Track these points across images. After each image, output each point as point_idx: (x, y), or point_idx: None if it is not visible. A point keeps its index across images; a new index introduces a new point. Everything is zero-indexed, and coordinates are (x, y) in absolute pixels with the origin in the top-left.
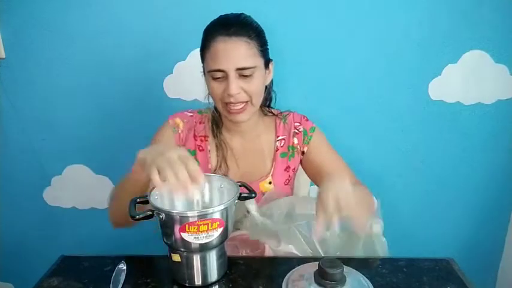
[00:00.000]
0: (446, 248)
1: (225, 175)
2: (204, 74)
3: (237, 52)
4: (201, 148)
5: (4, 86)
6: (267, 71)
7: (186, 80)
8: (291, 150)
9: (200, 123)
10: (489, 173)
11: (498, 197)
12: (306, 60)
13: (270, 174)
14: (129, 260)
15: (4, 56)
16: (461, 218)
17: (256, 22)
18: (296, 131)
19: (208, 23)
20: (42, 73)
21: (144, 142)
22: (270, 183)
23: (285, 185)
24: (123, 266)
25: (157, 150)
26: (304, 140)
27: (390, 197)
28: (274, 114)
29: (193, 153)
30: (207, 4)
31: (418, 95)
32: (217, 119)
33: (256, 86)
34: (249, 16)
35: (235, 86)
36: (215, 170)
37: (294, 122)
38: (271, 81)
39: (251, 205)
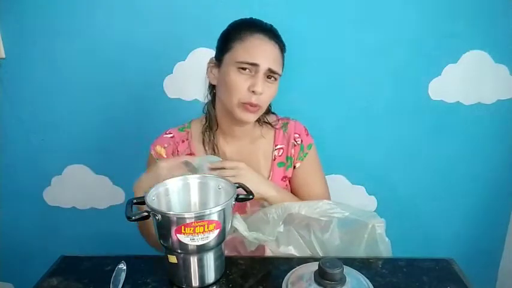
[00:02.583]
0: (446, 248)
1: None
2: (220, 65)
3: (273, 54)
4: None
5: (4, 86)
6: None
7: (186, 80)
8: (289, 161)
9: (182, 141)
10: (489, 173)
11: (498, 197)
12: (305, 60)
13: None
14: (129, 260)
15: (4, 56)
16: (461, 218)
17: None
18: (294, 142)
19: (208, 23)
20: (42, 73)
21: (143, 142)
22: None
23: None
24: (123, 266)
25: (149, 179)
26: (299, 155)
27: (390, 196)
28: (269, 123)
29: None
30: (208, 4)
31: (418, 95)
32: (213, 121)
33: (272, 94)
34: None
35: (262, 85)
36: None
37: (294, 133)
38: None
39: (239, 224)
